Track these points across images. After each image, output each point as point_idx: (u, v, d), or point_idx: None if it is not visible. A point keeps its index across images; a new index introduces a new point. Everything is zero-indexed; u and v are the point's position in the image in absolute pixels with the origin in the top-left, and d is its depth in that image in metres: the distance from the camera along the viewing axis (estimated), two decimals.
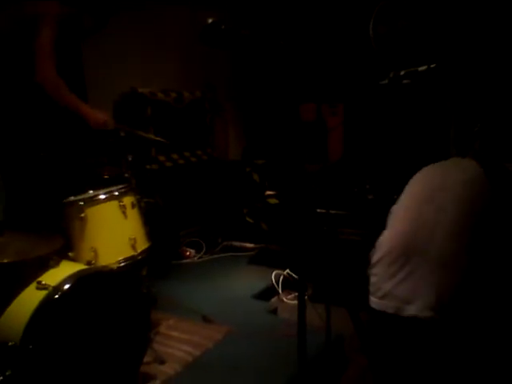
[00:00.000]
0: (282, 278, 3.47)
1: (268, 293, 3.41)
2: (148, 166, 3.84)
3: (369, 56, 3.30)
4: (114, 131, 2.61)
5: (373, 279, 1.65)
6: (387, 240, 1.55)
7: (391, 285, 1.58)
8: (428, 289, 1.47)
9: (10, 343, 1.69)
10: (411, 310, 1.52)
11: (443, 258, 1.44)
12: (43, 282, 1.84)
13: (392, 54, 2.37)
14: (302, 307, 1.46)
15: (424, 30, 2.66)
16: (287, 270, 3.50)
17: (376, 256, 1.61)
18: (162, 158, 4.06)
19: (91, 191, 2.37)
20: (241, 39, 1.28)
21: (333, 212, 2.19)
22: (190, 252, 4.06)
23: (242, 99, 5.09)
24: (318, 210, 2.61)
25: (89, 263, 2.19)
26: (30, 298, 1.81)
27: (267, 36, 1.27)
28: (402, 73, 1.93)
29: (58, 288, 1.82)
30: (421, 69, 1.74)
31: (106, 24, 2.79)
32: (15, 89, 2.62)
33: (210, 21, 1.30)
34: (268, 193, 4.22)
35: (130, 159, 2.61)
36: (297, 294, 3.19)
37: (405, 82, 1.94)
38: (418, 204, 1.48)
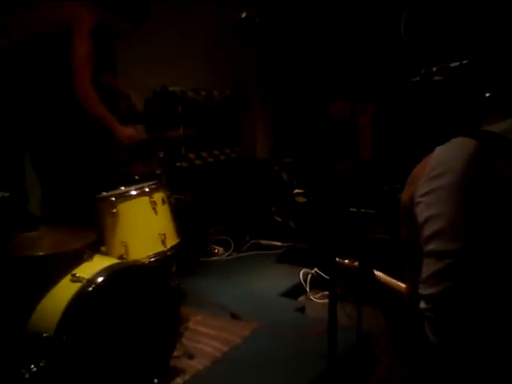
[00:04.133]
0: (309, 276, 3.46)
1: (296, 291, 3.40)
2: (178, 164, 3.88)
3: (400, 53, 3.27)
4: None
5: None
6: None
7: None
8: None
9: (44, 334, 1.74)
10: None
11: None
12: (77, 275, 1.89)
13: (423, 49, 2.33)
14: (333, 304, 1.45)
15: (457, 24, 2.62)
16: (315, 269, 3.48)
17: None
18: (191, 156, 4.10)
19: (123, 187, 2.41)
20: (275, 32, 1.29)
21: (363, 211, 2.18)
22: (218, 250, 4.08)
23: (271, 97, 5.09)
24: (350, 209, 2.59)
25: (120, 257, 2.23)
26: (64, 290, 1.86)
27: (302, 29, 1.28)
28: (434, 69, 1.90)
29: (91, 281, 1.86)
30: (453, 65, 1.71)
31: (139, 26, 2.84)
32: (50, 90, 2.69)
33: (243, 15, 1.31)
34: (296, 191, 4.22)
35: (161, 156, 2.65)
36: (325, 292, 3.23)
37: (437, 78, 1.91)
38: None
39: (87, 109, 2.57)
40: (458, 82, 1.64)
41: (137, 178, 2.57)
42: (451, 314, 1.32)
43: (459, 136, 1.40)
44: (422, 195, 1.36)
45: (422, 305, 1.39)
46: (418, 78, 1.79)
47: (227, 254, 4.08)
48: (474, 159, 1.30)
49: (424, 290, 1.38)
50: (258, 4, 4.23)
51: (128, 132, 2.66)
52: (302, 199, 4.19)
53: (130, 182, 2.46)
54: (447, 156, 1.37)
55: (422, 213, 1.36)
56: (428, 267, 1.35)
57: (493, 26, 1.55)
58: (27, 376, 1.68)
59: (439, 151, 1.39)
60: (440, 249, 1.32)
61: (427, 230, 1.35)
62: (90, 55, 2.57)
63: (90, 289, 1.84)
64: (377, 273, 2.12)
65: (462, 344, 1.31)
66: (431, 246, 1.34)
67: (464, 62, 1.65)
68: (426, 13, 2.99)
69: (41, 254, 1.87)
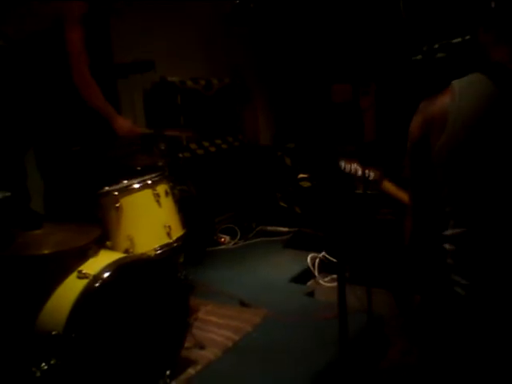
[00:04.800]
0: (317, 260, 3.45)
1: (304, 276, 3.40)
2: (180, 155, 3.86)
3: (400, 30, 3.22)
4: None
5: None
6: None
7: None
8: None
9: (53, 332, 1.73)
10: None
11: None
12: (84, 271, 1.88)
13: (424, 25, 2.29)
14: (342, 288, 1.44)
15: None
16: (323, 253, 3.48)
17: None
18: (193, 146, 4.07)
19: (125, 181, 2.39)
20: (271, 16, 1.26)
21: (369, 192, 2.16)
22: (224, 238, 4.07)
23: (271, 83, 5.04)
24: (356, 191, 2.57)
25: (126, 251, 2.22)
26: (71, 287, 1.85)
27: (299, 11, 1.24)
28: (436, 46, 1.86)
29: (98, 276, 1.85)
30: (455, 41, 1.68)
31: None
32: (49, 86, 2.67)
33: (237, 0, 1.29)
34: (300, 176, 4.19)
35: (162, 148, 2.63)
36: (333, 276, 3.22)
37: (439, 55, 1.87)
38: None
39: (87, 98, 2.55)
40: (461, 57, 1.61)
41: (139, 168, 2.55)
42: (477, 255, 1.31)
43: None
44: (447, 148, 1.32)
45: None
46: (419, 56, 1.75)
47: (234, 242, 4.08)
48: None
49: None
50: None
51: (127, 125, 2.64)
52: (306, 184, 4.17)
53: (132, 175, 2.44)
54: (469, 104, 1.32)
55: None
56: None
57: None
58: (38, 374, 1.68)
59: (459, 94, 1.34)
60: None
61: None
62: (83, 42, 2.54)
63: (97, 285, 1.83)
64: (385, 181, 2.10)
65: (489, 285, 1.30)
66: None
67: (466, 37, 1.61)
68: None
69: (46, 252, 1.87)
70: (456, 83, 1.35)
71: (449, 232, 1.39)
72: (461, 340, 1.37)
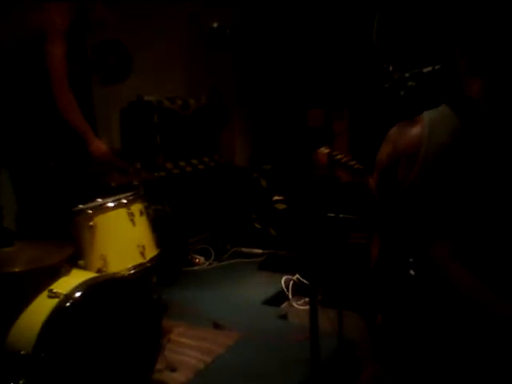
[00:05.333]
0: (291, 283, 3.46)
1: (278, 298, 3.40)
2: (156, 174, 3.86)
3: (373, 58, 3.30)
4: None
5: None
6: None
7: None
8: None
9: (22, 352, 1.70)
10: None
11: None
12: (54, 290, 1.85)
13: (396, 54, 2.37)
14: (313, 311, 1.46)
15: (428, 29, 2.66)
16: (297, 275, 3.49)
17: None
18: (169, 166, 4.07)
19: (100, 199, 2.38)
20: (248, 41, 1.29)
21: (342, 216, 2.19)
22: (199, 259, 4.06)
23: (249, 105, 5.10)
24: (328, 215, 2.60)
25: (99, 271, 2.20)
26: (41, 307, 1.82)
27: (276, 37, 1.28)
28: (407, 75, 1.93)
29: (69, 296, 1.83)
30: (426, 70, 1.74)
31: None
32: (25, 100, 2.65)
33: (215, 25, 1.31)
34: (276, 198, 4.22)
35: (138, 167, 2.63)
36: (307, 299, 3.23)
37: (410, 84, 1.94)
38: None
39: (65, 115, 2.53)
40: (431, 86, 1.66)
41: (113, 185, 2.54)
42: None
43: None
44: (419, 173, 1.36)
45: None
46: (390, 84, 1.81)
47: (208, 262, 4.06)
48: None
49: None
50: (231, 13, 4.24)
51: (103, 148, 2.63)
52: (281, 206, 4.19)
53: (107, 194, 2.43)
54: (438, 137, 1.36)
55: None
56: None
57: (464, 30, 1.58)
58: None
59: (430, 127, 1.37)
60: None
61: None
62: (65, 56, 2.52)
63: (68, 304, 1.80)
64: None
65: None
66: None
67: (436, 67, 1.67)
68: (398, 18, 3.03)
69: (17, 270, 1.84)
70: (426, 115, 1.39)
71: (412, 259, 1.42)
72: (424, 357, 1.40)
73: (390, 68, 1.73)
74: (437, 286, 1.37)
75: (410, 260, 1.42)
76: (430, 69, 1.66)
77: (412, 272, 1.42)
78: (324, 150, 1.97)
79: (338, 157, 1.96)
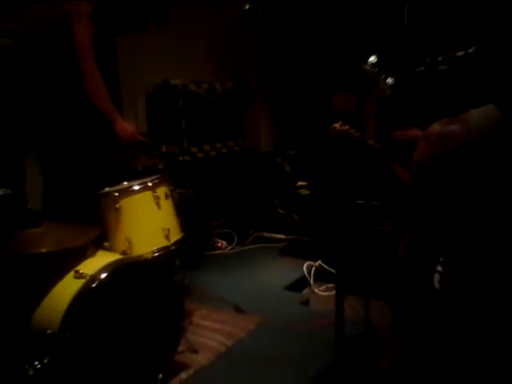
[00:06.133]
0: (313, 269, 3.45)
1: (300, 284, 3.39)
2: (180, 158, 3.87)
3: (404, 42, 3.23)
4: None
5: None
6: None
7: None
8: None
9: (48, 331, 1.73)
10: None
11: None
12: (81, 271, 1.88)
13: (428, 38, 2.31)
14: (340, 297, 1.45)
15: (462, 12, 2.58)
16: (319, 262, 3.47)
17: None
18: (194, 150, 4.07)
19: (126, 182, 2.40)
20: (278, 24, 1.27)
21: (372, 203, 2.15)
22: (221, 243, 4.07)
23: (274, 90, 5.05)
24: (357, 201, 2.57)
25: (124, 253, 2.22)
26: (68, 287, 1.85)
27: (305, 21, 1.26)
28: (440, 59, 1.88)
29: (95, 277, 1.85)
30: (459, 54, 1.69)
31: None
32: (54, 84, 2.68)
33: (246, 7, 1.29)
34: (299, 183, 4.20)
35: (163, 150, 2.63)
36: (329, 285, 3.22)
37: (442, 68, 1.89)
38: None
39: (92, 95, 2.55)
40: (464, 71, 1.61)
41: (140, 169, 2.55)
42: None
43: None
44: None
45: None
46: (423, 68, 1.76)
47: (230, 247, 4.07)
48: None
49: None
50: None
51: (129, 129, 2.64)
52: (305, 191, 4.17)
53: (132, 177, 2.44)
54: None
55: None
56: None
57: (498, 14, 1.53)
58: (31, 373, 1.67)
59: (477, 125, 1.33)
60: None
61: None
62: (91, 38, 2.54)
63: (94, 285, 1.83)
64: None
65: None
66: None
67: (470, 50, 1.62)
68: (430, 1, 2.95)
69: (44, 250, 1.86)
70: (472, 114, 1.33)
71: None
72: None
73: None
74: (463, 290, 1.35)
75: (440, 260, 1.40)
76: (463, 52, 1.61)
77: (440, 268, 1.41)
78: (336, 126, 1.97)
79: (350, 131, 1.96)
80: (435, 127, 1.39)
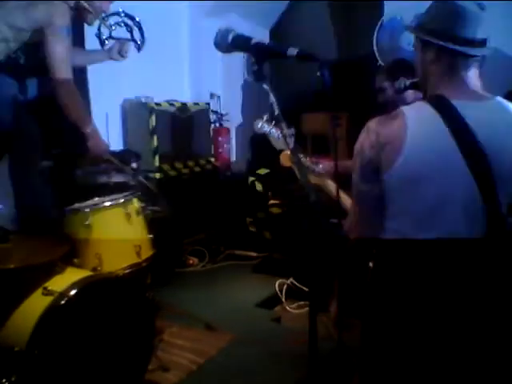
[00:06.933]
0: (285, 286, 3.46)
1: (271, 301, 3.40)
2: (152, 175, 3.86)
3: (373, 67, 3.33)
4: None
5: None
6: None
7: None
8: None
9: (15, 348, 1.70)
10: None
11: None
12: (49, 288, 1.85)
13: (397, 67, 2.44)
14: (313, 314, 1.49)
15: None
16: (291, 279, 3.49)
17: None
18: (165, 167, 4.07)
19: (96, 198, 2.38)
20: (253, 46, 1.30)
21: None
22: (193, 260, 4.05)
23: (247, 109, 5.10)
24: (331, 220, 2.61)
25: (94, 269, 2.20)
26: (36, 304, 1.82)
27: (280, 44, 1.30)
28: (407, 83, 1.98)
29: (63, 294, 1.83)
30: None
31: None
32: (26, 96, 2.65)
33: (222, 28, 1.33)
34: (271, 202, 4.23)
35: (135, 167, 2.63)
36: (300, 303, 3.23)
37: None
38: None
39: (67, 106, 2.46)
40: None
41: (111, 184, 2.53)
42: None
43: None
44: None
45: None
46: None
47: (202, 264, 4.06)
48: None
49: None
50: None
51: (102, 145, 2.61)
52: (277, 210, 4.20)
53: (104, 192, 2.43)
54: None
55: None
56: None
57: None
58: None
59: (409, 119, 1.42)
60: None
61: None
62: (68, 51, 2.47)
63: (63, 302, 1.81)
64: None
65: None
66: None
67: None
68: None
69: (12, 266, 1.84)
70: (405, 110, 1.44)
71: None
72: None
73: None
74: (395, 276, 1.47)
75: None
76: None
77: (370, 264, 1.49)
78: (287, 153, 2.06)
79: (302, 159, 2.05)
80: (372, 121, 1.51)
